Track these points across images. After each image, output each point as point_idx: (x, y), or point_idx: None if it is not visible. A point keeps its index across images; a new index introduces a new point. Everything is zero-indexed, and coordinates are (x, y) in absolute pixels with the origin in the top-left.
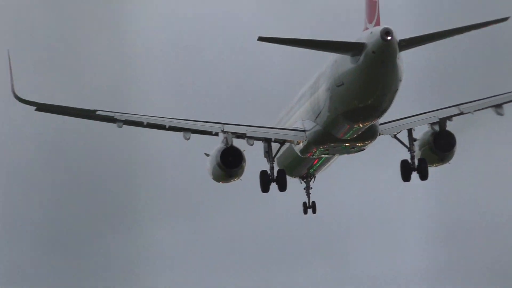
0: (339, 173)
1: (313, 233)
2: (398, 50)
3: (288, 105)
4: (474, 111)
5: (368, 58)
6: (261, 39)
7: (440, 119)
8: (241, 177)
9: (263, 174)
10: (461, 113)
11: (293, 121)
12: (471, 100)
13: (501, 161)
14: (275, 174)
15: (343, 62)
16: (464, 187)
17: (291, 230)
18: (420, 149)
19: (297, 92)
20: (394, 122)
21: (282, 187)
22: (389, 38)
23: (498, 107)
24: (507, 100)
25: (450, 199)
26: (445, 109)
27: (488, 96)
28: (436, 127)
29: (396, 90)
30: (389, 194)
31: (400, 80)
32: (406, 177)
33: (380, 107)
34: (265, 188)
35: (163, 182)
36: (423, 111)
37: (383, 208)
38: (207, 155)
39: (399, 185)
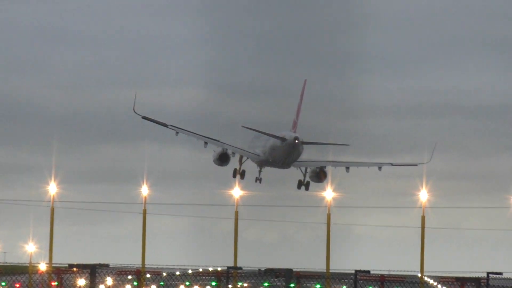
0: None
1: None
2: (300, 143)
3: (249, 143)
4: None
5: (287, 143)
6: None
7: (320, 167)
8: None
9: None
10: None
11: (252, 150)
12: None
13: None
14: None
15: (275, 142)
16: None
17: None
18: (308, 176)
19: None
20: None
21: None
22: (296, 141)
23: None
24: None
25: None
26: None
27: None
28: (317, 169)
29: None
30: None
31: (300, 154)
32: (299, 187)
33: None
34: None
35: None
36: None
37: None
38: (215, 151)
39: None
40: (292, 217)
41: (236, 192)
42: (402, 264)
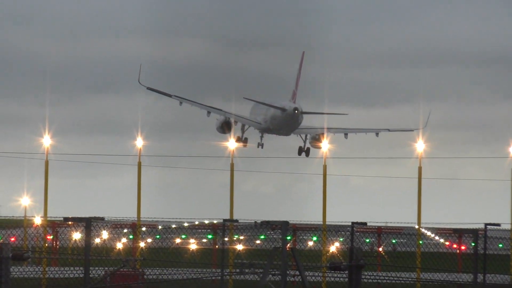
0: None
1: None
2: (299, 114)
3: (250, 110)
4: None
5: (287, 113)
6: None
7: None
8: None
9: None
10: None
11: (254, 118)
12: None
13: None
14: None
15: (276, 112)
16: None
17: None
18: (309, 142)
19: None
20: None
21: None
22: (296, 111)
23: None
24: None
25: None
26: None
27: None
28: (316, 136)
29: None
30: None
31: (300, 123)
32: (300, 154)
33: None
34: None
35: None
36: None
37: None
38: (217, 119)
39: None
40: (288, 169)
41: (232, 144)
42: (399, 216)
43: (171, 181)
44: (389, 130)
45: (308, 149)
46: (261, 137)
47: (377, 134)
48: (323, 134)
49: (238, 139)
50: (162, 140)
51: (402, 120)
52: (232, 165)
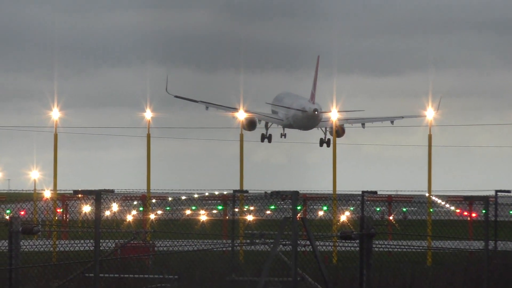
0: None
1: None
2: (319, 114)
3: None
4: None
5: (307, 114)
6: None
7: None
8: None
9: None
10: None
11: (276, 116)
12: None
13: None
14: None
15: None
16: None
17: None
18: (328, 133)
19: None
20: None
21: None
22: (316, 112)
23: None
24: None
25: None
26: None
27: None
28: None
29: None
30: None
31: (319, 121)
32: (321, 145)
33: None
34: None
35: None
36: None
37: None
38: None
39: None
40: (297, 138)
41: (241, 114)
42: (410, 184)
43: (182, 153)
44: (403, 117)
45: (329, 140)
46: (283, 128)
47: (392, 122)
48: (342, 125)
49: (263, 137)
50: (173, 111)
51: (415, 88)
52: (241, 136)
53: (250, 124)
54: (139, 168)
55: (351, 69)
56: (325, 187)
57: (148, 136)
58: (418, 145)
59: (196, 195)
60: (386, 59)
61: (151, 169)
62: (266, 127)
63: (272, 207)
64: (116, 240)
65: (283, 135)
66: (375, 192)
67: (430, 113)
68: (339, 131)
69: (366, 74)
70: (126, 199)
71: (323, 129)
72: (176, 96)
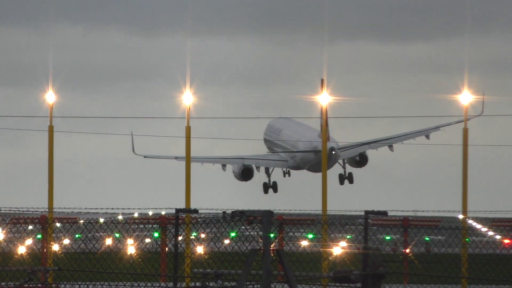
0: None
1: None
2: (337, 152)
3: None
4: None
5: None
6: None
7: (359, 153)
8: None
9: (264, 183)
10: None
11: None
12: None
13: None
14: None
15: (306, 154)
16: None
17: None
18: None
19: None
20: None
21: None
22: (333, 152)
23: (390, 146)
24: (395, 142)
25: None
26: (359, 147)
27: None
28: (357, 157)
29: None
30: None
31: (337, 160)
32: (342, 183)
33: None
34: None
35: None
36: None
37: None
38: (234, 171)
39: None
40: None
41: (187, 98)
42: (434, 202)
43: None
44: (439, 128)
45: (351, 174)
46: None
47: (427, 137)
48: (363, 152)
49: (266, 187)
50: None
51: (443, 57)
52: (188, 129)
53: (245, 174)
54: (39, 177)
55: (371, 33)
56: (311, 206)
57: (51, 128)
58: (446, 144)
59: (120, 217)
60: (411, 23)
61: (55, 180)
62: (268, 173)
63: (234, 234)
64: (3, 283)
65: (287, 173)
66: (385, 213)
67: (465, 97)
68: (361, 160)
69: (388, 38)
70: (17, 222)
71: (341, 161)
72: (146, 157)
